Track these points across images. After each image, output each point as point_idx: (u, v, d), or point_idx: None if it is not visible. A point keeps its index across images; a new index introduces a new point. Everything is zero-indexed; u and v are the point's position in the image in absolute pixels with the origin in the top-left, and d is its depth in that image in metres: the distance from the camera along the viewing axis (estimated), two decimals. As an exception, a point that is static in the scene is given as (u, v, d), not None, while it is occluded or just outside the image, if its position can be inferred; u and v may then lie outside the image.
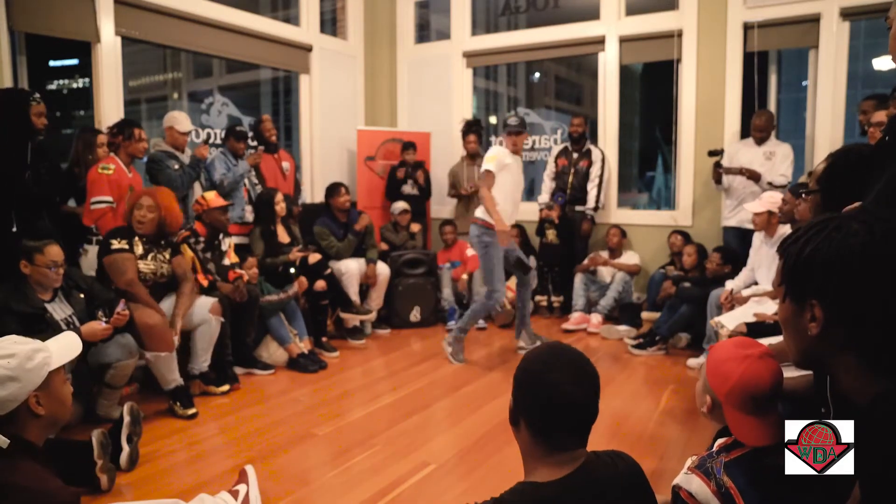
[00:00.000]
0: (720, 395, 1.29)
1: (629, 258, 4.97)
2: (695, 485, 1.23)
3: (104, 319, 2.65)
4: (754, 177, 4.27)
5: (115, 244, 3.01)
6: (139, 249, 3.12)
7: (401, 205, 5.16)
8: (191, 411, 2.99)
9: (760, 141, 4.36)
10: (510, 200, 3.85)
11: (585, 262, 5.04)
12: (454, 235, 5.31)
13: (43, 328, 2.52)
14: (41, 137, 3.12)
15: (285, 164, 4.77)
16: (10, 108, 3.02)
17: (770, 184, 4.20)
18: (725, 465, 1.21)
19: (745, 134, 4.60)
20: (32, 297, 2.60)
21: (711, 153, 4.40)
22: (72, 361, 1.89)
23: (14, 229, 2.95)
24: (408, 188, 5.40)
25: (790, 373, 1.44)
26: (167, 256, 3.25)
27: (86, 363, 2.68)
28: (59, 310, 2.70)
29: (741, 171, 4.31)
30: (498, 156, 3.77)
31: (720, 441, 1.31)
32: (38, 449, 1.56)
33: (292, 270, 4.09)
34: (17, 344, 1.55)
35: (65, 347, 1.66)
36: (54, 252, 2.64)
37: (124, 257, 3.00)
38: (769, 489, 1.17)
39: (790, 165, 4.26)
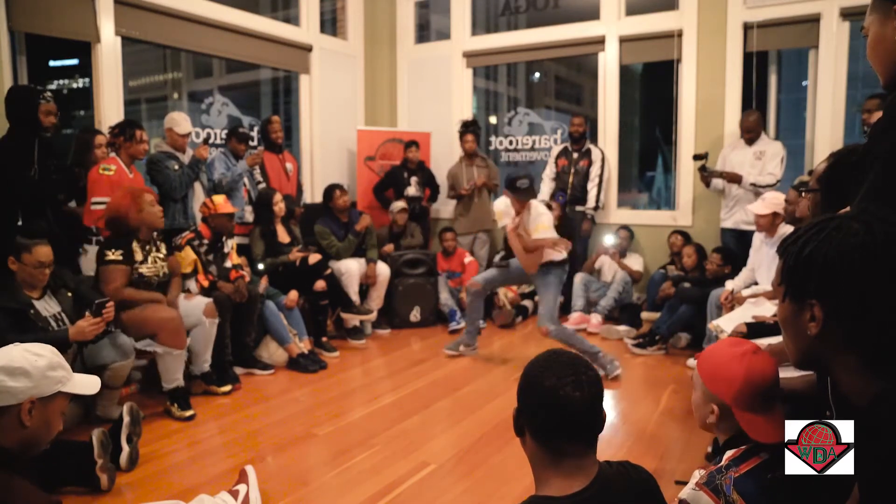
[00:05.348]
0: (728, 398, 1.26)
1: (633, 262, 4.95)
2: (703, 503, 1.20)
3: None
4: (735, 180, 4.25)
5: (110, 255, 3.01)
6: (139, 255, 3.11)
7: (399, 204, 5.14)
8: (188, 413, 2.98)
9: (750, 141, 4.34)
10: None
11: (588, 261, 5.04)
12: (454, 243, 5.28)
13: (29, 326, 2.50)
14: (48, 135, 3.15)
15: (289, 165, 4.79)
16: (19, 105, 3.07)
17: (753, 185, 4.18)
18: (735, 482, 1.18)
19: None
20: (20, 294, 2.58)
21: (696, 157, 4.39)
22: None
23: (20, 223, 2.99)
24: (412, 190, 5.37)
25: (790, 373, 1.44)
26: (164, 253, 3.26)
27: (83, 365, 2.68)
28: (48, 307, 2.69)
29: (721, 175, 4.30)
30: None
31: (729, 453, 1.27)
32: (13, 457, 1.52)
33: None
34: (49, 350, 1.60)
35: (84, 383, 1.69)
36: (42, 252, 2.60)
37: (114, 268, 3.00)
38: (781, 503, 1.15)
39: (779, 164, 4.20)
